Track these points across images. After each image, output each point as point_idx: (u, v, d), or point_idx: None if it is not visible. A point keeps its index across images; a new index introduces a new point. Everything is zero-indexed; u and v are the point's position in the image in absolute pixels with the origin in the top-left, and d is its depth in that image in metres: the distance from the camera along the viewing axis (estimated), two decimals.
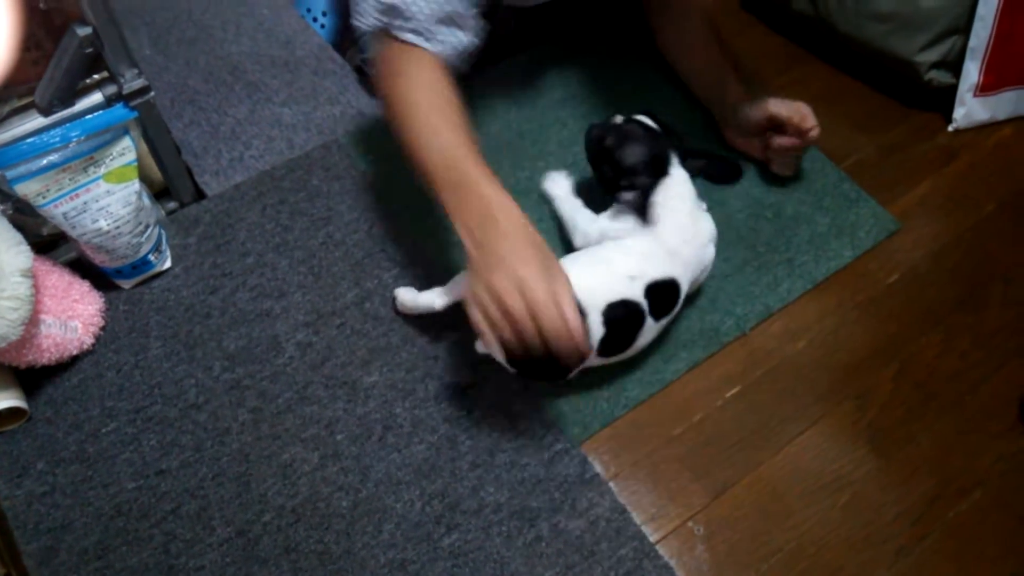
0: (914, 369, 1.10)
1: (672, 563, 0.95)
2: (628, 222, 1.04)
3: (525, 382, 1.05)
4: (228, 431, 1.02)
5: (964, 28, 1.27)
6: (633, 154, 1.04)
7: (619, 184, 1.05)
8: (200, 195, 1.23)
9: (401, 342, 1.09)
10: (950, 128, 1.35)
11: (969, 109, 1.33)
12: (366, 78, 1.34)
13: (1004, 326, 1.15)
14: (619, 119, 1.09)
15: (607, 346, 0.97)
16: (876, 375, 1.10)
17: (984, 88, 1.31)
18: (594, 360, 0.99)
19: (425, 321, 1.09)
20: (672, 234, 1.02)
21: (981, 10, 1.24)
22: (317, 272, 1.14)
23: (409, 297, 1.07)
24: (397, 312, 1.10)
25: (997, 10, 1.23)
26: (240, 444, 1.01)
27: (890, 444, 1.05)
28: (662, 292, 0.99)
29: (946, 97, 1.34)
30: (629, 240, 1.02)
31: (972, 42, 1.27)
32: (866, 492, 1.01)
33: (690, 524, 0.98)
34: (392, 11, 0.96)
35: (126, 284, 1.10)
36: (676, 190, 1.04)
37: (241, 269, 1.14)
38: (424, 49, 0.97)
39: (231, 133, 1.30)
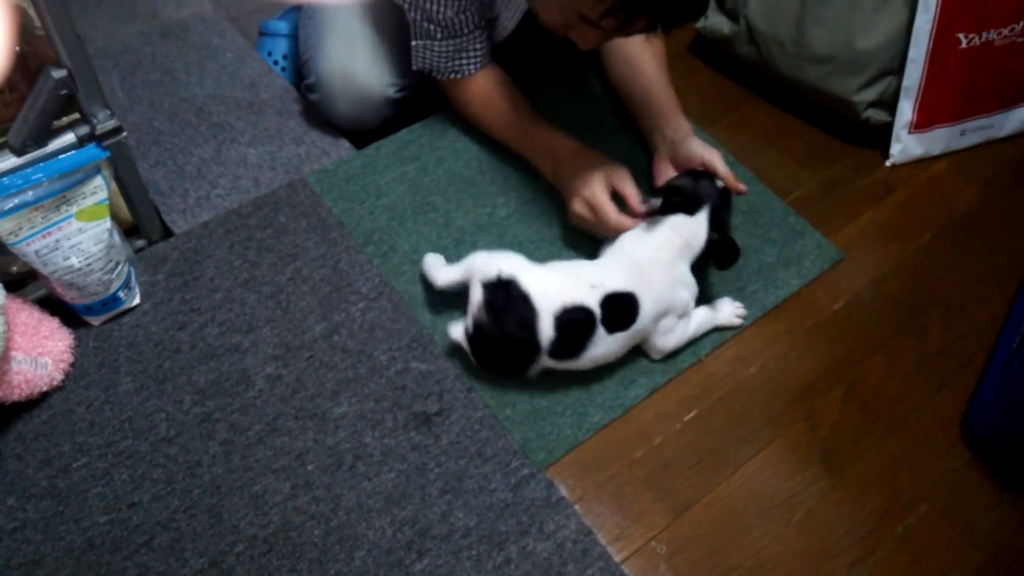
0: (860, 390, 1.16)
1: None
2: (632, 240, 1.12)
3: (490, 409, 1.08)
4: (199, 463, 1.04)
5: (898, 69, 1.35)
6: (688, 182, 1.13)
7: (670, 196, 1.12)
8: (168, 233, 1.25)
9: (369, 373, 1.11)
10: (887, 163, 1.43)
11: (905, 145, 1.41)
12: (322, 120, 1.39)
13: (944, 348, 1.21)
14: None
15: (557, 349, 1.02)
16: (825, 397, 1.15)
17: (918, 125, 1.39)
18: (547, 362, 1.04)
19: (392, 352, 1.12)
20: (649, 252, 1.08)
21: (912, 53, 1.32)
22: (285, 307, 1.17)
23: (430, 263, 1.15)
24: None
25: (927, 53, 1.32)
26: (212, 476, 1.03)
27: (840, 462, 1.09)
28: (619, 305, 1.04)
29: (883, 134, 1.42)
30: (607, 256, 1.11)
31: (905, 82, 1.35)
32: (819, 509, 1.06)
33: (653, 543, 1.01)
34: (424, 69, 1.26)
35: (96, 321, 1.12)
36: (683, 227, 1.10)
37: (210, 305, 1.16)
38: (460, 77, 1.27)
39: (197, 172, 1.33)
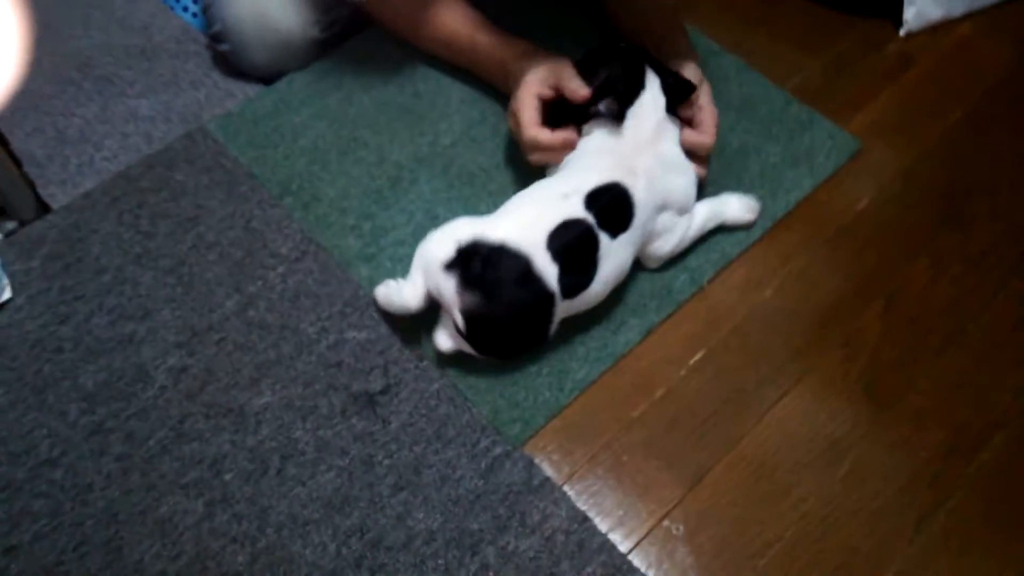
0: (903, 303, 0.95)
1: (651, 574, 0.77)
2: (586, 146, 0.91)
3: (449, 378, 0.87)
4: (91, 487, 0.83)
5: None
6: (610, 69, 0.92)
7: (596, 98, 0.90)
8: (45, 209, 1.03)
9: (295, 351, 0.90)
10: (901, 32, 1.20)
11: (920, 7, 1.18)
12: (220, 55, 1.15)
13: (995, 242, 1.00)
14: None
15: (569, 282, 0.81)
16: (860, 316, 0.94)
17: None
18: (563, 307, 0.83)
19: (322, 322, 0.91)
20: (624, 140, 0.88)
21: None
22: (188, 282, 0.95)
23: (384, 294, 0.90)
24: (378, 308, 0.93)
25: None
26: (106, 502, 0.82)
27: (889, 395, 0.88)
28: (607, 201, 0.84)
29: None
30: (581, 156, 0.90)
31: None
32: (869, 456, 0.85)
33: (666, 523, 0.81)
34: None
35: None
36: (648, 105, 0.90)
37: (96, 290, 0.95)
38: None
39: (79, 135, 1.11)
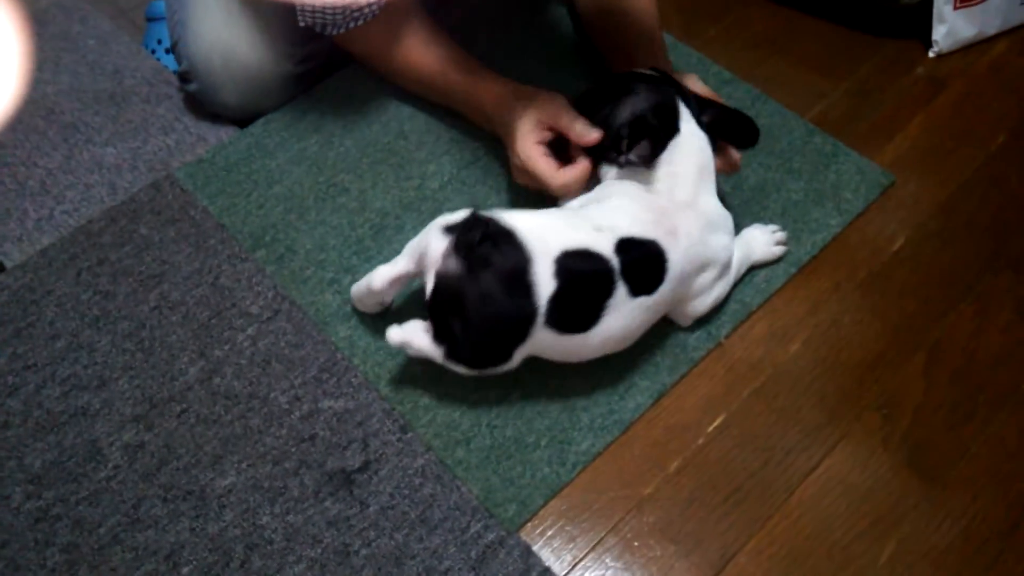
0: (948, 356, 0.84)
1: None
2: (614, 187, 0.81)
3: (434, 453, 0.76)
4: None
5: None
6: (633, 105, 0.80)
7: (618, 146, 0.79)
8: None
9: (264, 424, 0.81)
10: (931, 54, 1.11)
11: (951, 26, 1.08)
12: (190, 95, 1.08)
13: None
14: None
15: (559, 312, 0.71)
16: (900, 372, 0.83)
17: None
18: (541, 336, 0.72)
19: (295, 390, 0.81)
20: (666, 191, 0.78)
21: None
22: (148, 347, 0.86)
23: (356, 288, 0.83)
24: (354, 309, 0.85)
25: None
26: None
27: (937, 462, 0.78)
28: (640, 255, 0.74)
29: (920, 17, 1.10)
30: (606, 200, 0.79)
31: None
32: (917, 534, 0.74)
33: None
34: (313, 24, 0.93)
35: None
36: (686, 148, 0.80)
37: (49, 357, 0.86)
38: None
39: (40, 187, 1.03)
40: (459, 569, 0.72)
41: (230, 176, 0.98)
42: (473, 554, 0.73)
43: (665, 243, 0.75)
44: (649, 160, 0.79)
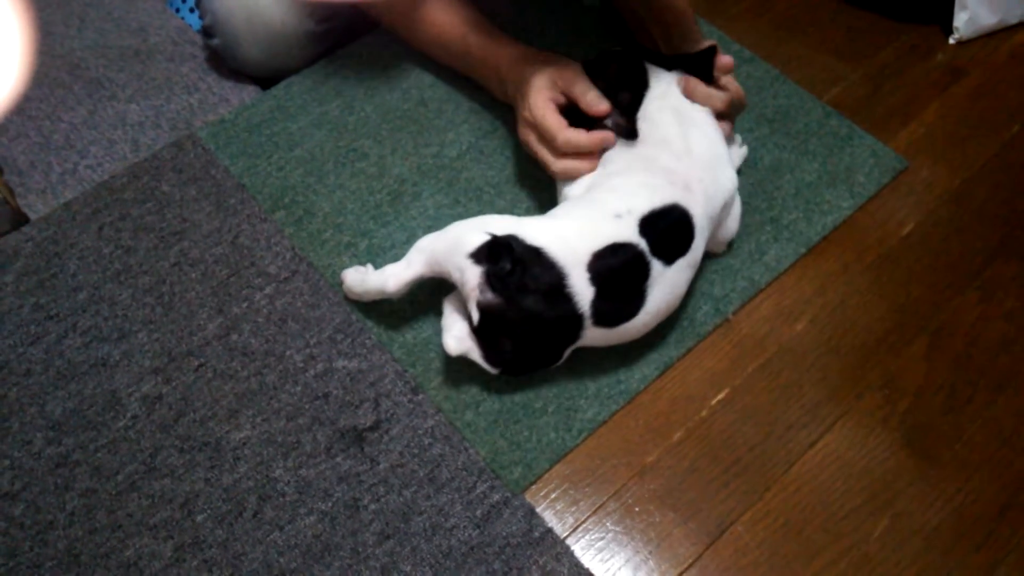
0: (951, 341, 0.85)
1: None
2: (613, 162, 0.82)
3: (444, 415, 0.78)
4: (52, 525, 0.76)
5: None
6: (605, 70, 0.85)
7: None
8: (22, 220, 0.96)
9: (279, 381, 0.83)
10: (951, 40, 1.11)
11: (973, 13, 1.08)
12: (212, 51, 1.09)
13: None
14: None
15: (605, 309, 0.73)
16: (903, 354, 0.84)
17: None
18: (593, 334, 0.74)
19: (310, 349, 0.83)
20: (659, 149, 0.79)
21: None
22: (168, 302, 0.88)
23: (358, 280, 0.83)
24: (346, 300, 0.86)
25: None
26: (68, 541, 0.75)
27: (934, 442, 0.79)
28: (666, 224, 0.76)
29: (943, 3, 1.10)
30: (611, 178, 0.80)
31: None
32: (911, 511, 0.76)
33: None
34: None
35: None
36: (657, 101, 0.83)
37: (71, 308, 0.88)
38: None
39: (65, 141, 1.04)
40: (464, 527, 0.75)
41: (251, 137, 0.99)
42: (478, 513, 0.75)
43: (685, 200, 0.77)
44: (626, 126, 0.81)
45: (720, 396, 0.82)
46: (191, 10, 1.31)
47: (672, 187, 0.77)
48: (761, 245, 0.90)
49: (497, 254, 0.71)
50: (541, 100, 0.83)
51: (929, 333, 0.86)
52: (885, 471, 0.78)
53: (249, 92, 1.07)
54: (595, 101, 0.81)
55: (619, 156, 0.81)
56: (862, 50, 1.09)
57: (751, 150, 0.96)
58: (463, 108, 1.01)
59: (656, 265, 0.74)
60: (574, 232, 0.74)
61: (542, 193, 0.93)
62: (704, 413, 0.81)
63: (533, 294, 0.71)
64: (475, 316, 0.73)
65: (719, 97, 0.83)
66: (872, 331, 0.86)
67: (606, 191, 0.79)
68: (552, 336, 0.74)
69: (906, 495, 0.77)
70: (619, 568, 0.73)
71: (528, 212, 0.92)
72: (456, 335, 0.76)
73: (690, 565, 0.73)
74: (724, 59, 0.85)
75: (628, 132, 0.81)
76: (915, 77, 1.07)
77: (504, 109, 0.98)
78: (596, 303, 0.72)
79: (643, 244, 0.74)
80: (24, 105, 1.09)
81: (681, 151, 0.79)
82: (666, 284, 0.76)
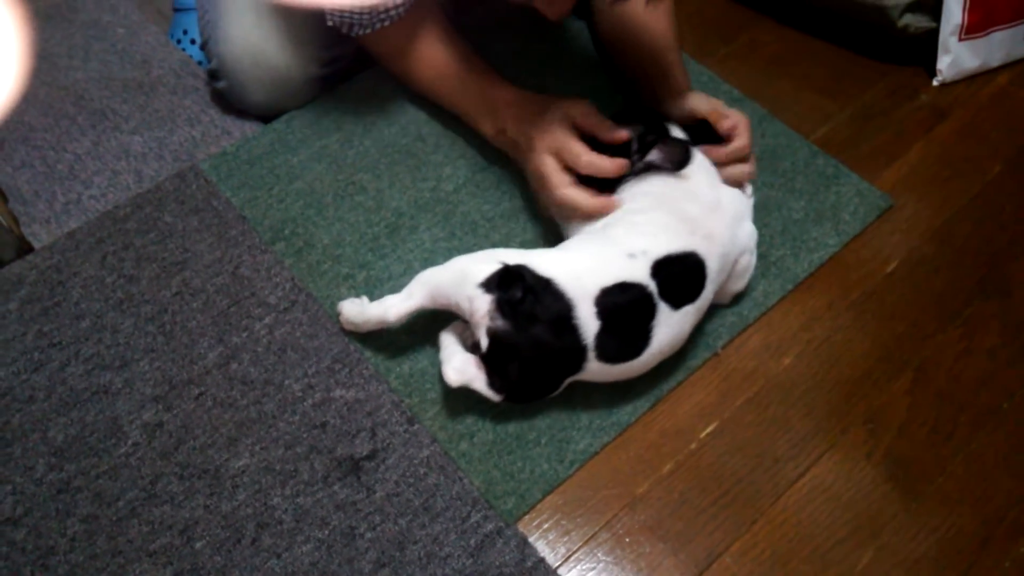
0: (934, 376, 0.88)
1: None
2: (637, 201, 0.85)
3: (439, 445, 0.80)
4: (53, 551, 0.77)
5: None
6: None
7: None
8: (26, 249, 0.98)
9: (278, 410, 0.84)
10: (935, 82, 1.14)
11: (955, 57, 1.12)
12: (218, 92, 1.11)
13: None
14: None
15: (609, 345, 0.75)
16: (887, 389, 0.87)
17: (970, 29, 1.10)
18: (597, 368, 0.77)
19: (308, 378, 0.85)
20: (686, 200, 0.82)
21: None
22: (169, 331, 0.90)
23: (356, 311, 0.85)
24: (344, 331, 0.88)
25: None
26: (69, 566, 0.76)
27: (917, 477, 0.81)
28: (679, 270, 0.78)
29: (926, 46, 1.13)
30: (633, 215, 0.82)
31: None
32: (895, 544, 0.78)
33: None
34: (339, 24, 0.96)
35: None
36: (698, 159, 0.86)
37: (73, 336, 0.90)
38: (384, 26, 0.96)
39: (69, 171, 1.06)
40: (458, 556, 0.76)
41: (253, 170, 1.01)
42: (472, 542, 0.77)
43: (703, 250, 0.79)
44: (678, 162, 0.84)
45: (709, 429, 0.84)
46: (192, 42, 1.33)
47: (693, 236, 0.80)
48: (750, 281, 0.92)
49: (508, 282, 0.74)
50: (563, 131, 0.86)
51: (913, 369, 0.88)
52: (870, 504, 0.80)
53: (251, 126, 1.09)
54: (615, 129, 0.85)
55: (645, 197, 0.84)
56: (848, 90, 1.13)
57: None
58: (459, 143, 1.03)
59: (663, 308, 0.77)
60: (584, 266, 0.77)
61: (537, 227, 0.96)
62: (694, 445, 0.83)
63: (541, 323, 0.73)
64: (484, 343, 0.75)
65: (746, 149, 0.89)
66: (857, 366, 0.88)
67: (625, 227, 0.81)
68: (556, 365, 0.76)
69: (890, 527, 0.79)
70: None
71: (523, 246, 0.94)
72: (456, 367, 0.78)
73: None
74: (726, 124, 0.89)
75: (677, 165, 0.84)
76: (900, 117, 1.10)
77: (492, 149, 0.99)
78: (600, 337, 0.74)
79: (652, 286, 0.76)
80: (29, 135, 1.11)
81: (710, 204, 0.82)
82: (671, 327, 0.78)
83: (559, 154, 0.86)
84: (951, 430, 0.84)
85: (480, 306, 0.74)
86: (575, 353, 0.75)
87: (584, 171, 0.85)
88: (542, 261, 0.76)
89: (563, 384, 0.78)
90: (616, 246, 0.79)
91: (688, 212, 0.81)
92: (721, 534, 0.78)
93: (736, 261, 0.85)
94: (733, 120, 0.88)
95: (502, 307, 0.73)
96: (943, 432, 0.84)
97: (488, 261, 0.76)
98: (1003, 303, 0.93)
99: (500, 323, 0.73)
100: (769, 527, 0.78)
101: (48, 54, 1.24)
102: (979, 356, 0.89)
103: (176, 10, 1.43)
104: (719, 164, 0.88)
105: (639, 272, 0.76)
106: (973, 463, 0.82)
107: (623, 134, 0.85)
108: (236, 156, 1.03)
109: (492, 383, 0.77)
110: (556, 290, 0.74)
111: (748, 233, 0.86)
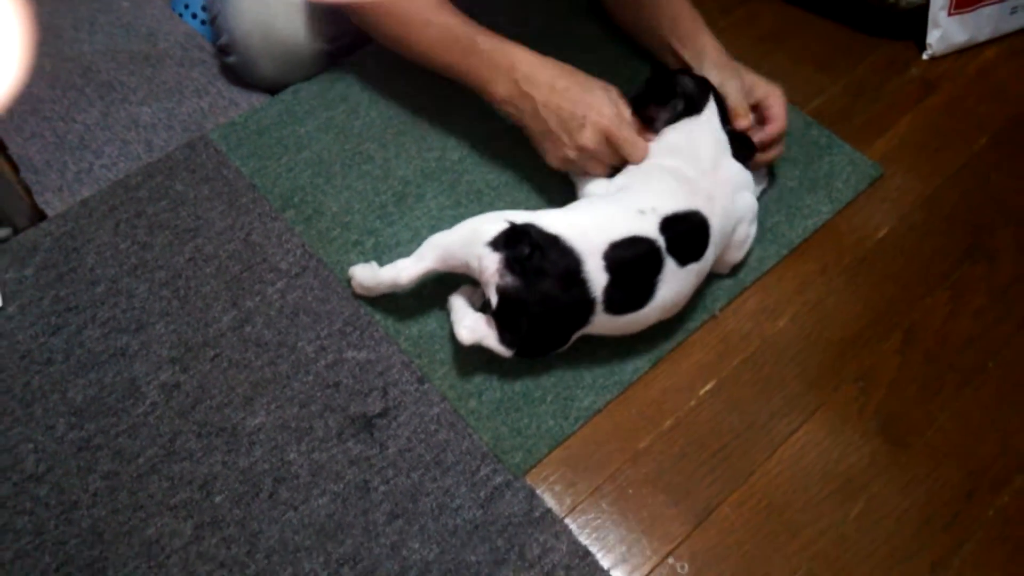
0: (922, 337, 0.91)
1: None
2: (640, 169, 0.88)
3: (449, 403, 0.83)
4: (76, 505, 0.80)
5: None
6: (684, 82, 0.92)
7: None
8: (40, 217, 1.00)
9: (292, 370, 0.87)
10: (925, 56, 1.17)
11: (945, 31, 1.15)
12: (227, 66, 1.13)
13: (1020, 274, 0.96)
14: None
15: (616, 298, 0.78)
16: (878, 349, 0.90)
17: (959, 4, 1.13)
18: (603, 321, 0.79)
19: (321, 340, 0.88)
20: (688, 164, 0.85)
21: None
22: (184, 295, 0.92)
23: (368, 275, 0.87)
24: (356, 295, 0.91)
25: None
26: (92, 520, 0.79)
27: (906, 432, 0.85)
28: (685, 228, 0.82)
29: (917, 20, 1.16)
30: (638, 182, 0.86)
31: None
32: (884, 495, 0.81)
33: (671, 561, 0.77)
34: None
35: None
36: (703, 127, 0.89)
37: (90, 300, 0.92)
38: None
39: (79, 142, 1.08)
40: (469, 507, 0.79)
41: (261, 140, 1.04)
42: (482, 495, 0.80)
43: (706, 210, 0.83)
44: (677, 116, 0.89)
45: (708, 387, 0.87)
46: (193, 16, 1.35)
47: (695, 196, 0.83)
48: (748, 252, 0.96)
49: (516, 240, 0.77)
50: (619, 105, 0.89)
51: (903, 330, 0.92)
52: (860, 457, 0.83)
53: (257, 97, 1.11)
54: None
55: (647, 164, 0.87)
56: (841, 64, 1.16)
57: None
58: (464, 114, 1.06)
59: (670, 263, 0.80)
60: (593, 222, 0.80)
61: (542, 195, 0.98)
62: (693, 403, 0.86)
63: (550, 278, 0.76)
64: (494, 300, 0.77)
65: (781, 134, 0.95)
66: (849, 328, 0.92)
67: (631, 191, 0.85)
68: (565, 319, 0.79)
69: (880, 480, 0.82)
70: (614, 545, 0.78)
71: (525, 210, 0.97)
72: (468, 325, 0.81)
73: (679, 543, 0.78)
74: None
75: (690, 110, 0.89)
76: (891, 90, 1.14)
77: (491, 120, 1.01)
78: (609, 290, 0.77)
79: (661, 241, 0.79)
80: (37, 106, 1.13)
81: (708, 168, 0.86)
82: (675, 283, 0.81)
83: (610, 126, 0.88)
84: (939, 387, 0.88)
85: (489, 264, 0.77)
86: (584, 306, 0.78)
87: (637, 153, 0.88)
88: (550, 220, 0.79)
89: (573, 338, 0.81)
90: (626, 204, 0.82)
91: (687, 173, 0.85)
92: (719, 486, 0.81)
93: (734, 230, 0.88)
94: (772, 99, 0.94)
95: (510, 264, 0.76)
96: (931, 389, 0.88)
97: (496, 221, 0.78)
98: (989, 267, 0.97)
99: (509, 280, 0.76)
100: (765, 479, 0.82)
101: (53, 26, 1.25)
102: (965, 318, 0.93)
103: None
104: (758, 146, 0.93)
105: (649, 227, 0.79)
106: (959, 419, 0.86)
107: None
108: (245, 126, 1.05)
109: (503, 339, 0.79)
110: (564, 246, 0.77)
111: (747, 203, 0.89)
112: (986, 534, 0.80)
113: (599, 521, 0.79)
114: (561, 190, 0.96)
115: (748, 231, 0.91)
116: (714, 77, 0.95)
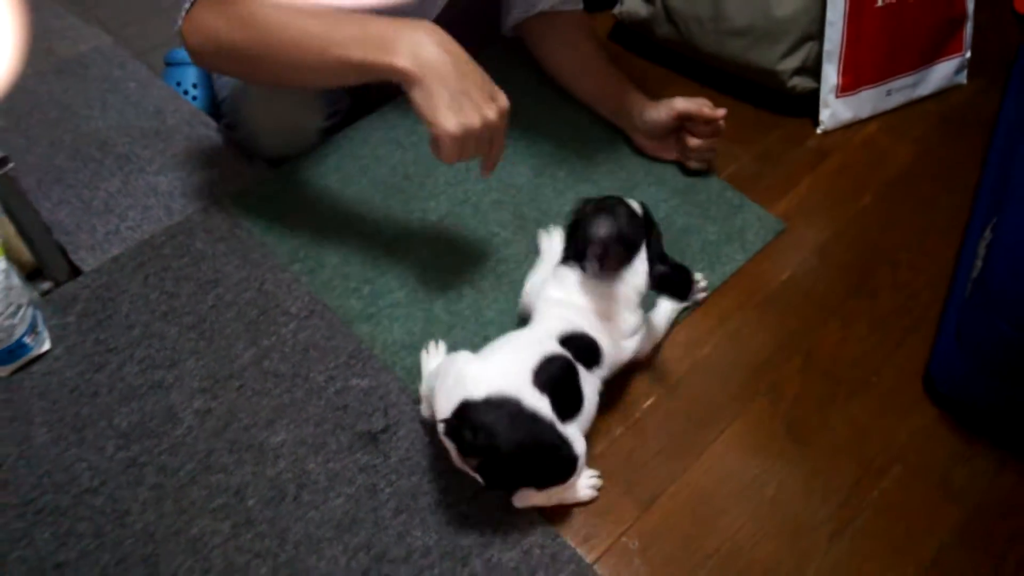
0: (818, 359, 1.12)
1: None
2: (565, 288, 0.96)
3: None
4: (128, 512, 0.95)
5: (818, 34, 1.33)
6: (604, 228, 0.92)
7: (583, 253, 0.93)
8: (76, 272, 1.16)
9: (306, 396, 1.04)
10: (819, 130, 1.41)
11: (833, 110, 1.39)
12: (234, 141, 1.32)
13: (897, 307, 1.18)
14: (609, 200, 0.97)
15: (562, 408, 0.87)
16: (783, 369, 1.11)
17: (844, 88, 1.37)
18: (570, 432, 0.88)
19: (329, 371, 1.06)
20: (596, 303, 0.95)
21: (830, 15, 1.31)
22: (209, 336, 1.09)
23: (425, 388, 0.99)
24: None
25: (845, 14, 1.30)
26: (143, 524, 0.94)
27: (807, 433, 1.05)
28: (579, 344, 0.92)
29: (811, 102, 1.40)
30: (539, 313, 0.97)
31: (827, 46, 1.33)
32: (791, 483, 1.01)
33: (624, 539, 0.96)
34: None
35: (3, 371, 1.03)
36: (630, 282, 0.95)
37: (127, 342, 1.08)
38: None
39: (104, 207, 1.25)
40: (460, 503, 0.97)
41: (269, 205, 1.22)
42: (469, 493, 0.98)
43: (593, 333, 0.93)
44: (612, 273, 0.93)
45: (650, 402, 1.07)
46: (184, 93, 1.52)
47: (588, 324, 0.93)
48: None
49: (459, 428, 0.84)
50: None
51: (803, 353, 1.13)
52: (771, 453, 1.03)
53: (260, 166, 1.29)
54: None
55: (562, 303, 0.95)
56: (751, 137, 1.39)
57: (665, 216, 1.23)
58: (440, 181, 1.26)
59: (581, 369, 0.91)
60: (509, 364, 0.88)
61: (507, 249, 1.18)
62: (637, 415, 1.06)
63: (503, 431, 0.82)
64: (479, 477, 0.87)
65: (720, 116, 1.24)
66: (760, 352, 1.13)
67: (524, 332, 0.95)
68: (540, 447, 0.86)
69: (787, 470, 1.02)
70: (578, 529, 0.96)
71: (498, 265, 1.16)
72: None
73: (630, 526, 0.97)
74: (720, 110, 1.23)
75: (612, 275, 0.94)
76: (791, 158, 1.37)
77: (475, 182, 1.23)
78: (554, 406, 0.86)
79: (568, 353, 0.90)
80: (61, 176, 1.29)
81: (606, 313, 0.95)
82: (590, 384, 0.92)
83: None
84: (832, 398, 1.09)
85: (451, 450, 0.87)
86: (546, 429, 0.85)
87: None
88: (472, 382, 0.85)
89: (560, 450, 0.87)
90: (524, 337, 0.93)
91: (591, 310, 0.94)
92: (660, 480, 1.00)
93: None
94: (716, 109, 1.21)
95: (464, 453, 0.85)
96: (826, 399, 1.09)
97: (443, 401, 0.86)
98: (871, 302, 1.19)
99: (472, 461, 0.86)
100: (697, 473, 1.01)
101: (67, 104, 1.42)
102: (853, 342, 1.15)
103: (168, 64, 1.62)
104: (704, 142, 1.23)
105: (553, 347, 0.90)
106: (849, 423, 1.07)
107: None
108: (252, 193, 1.23)
109: (487, 479, 0.88)
110: (496, 400, 0.83)
111: (631, 324, 0.97)
112: (872, 511, 1.00)
113: (565, 509, 0.97)
114: (524, 238, 1.15)
115: (635, 342, 0.99)
116: (651, 113, 1.20)
